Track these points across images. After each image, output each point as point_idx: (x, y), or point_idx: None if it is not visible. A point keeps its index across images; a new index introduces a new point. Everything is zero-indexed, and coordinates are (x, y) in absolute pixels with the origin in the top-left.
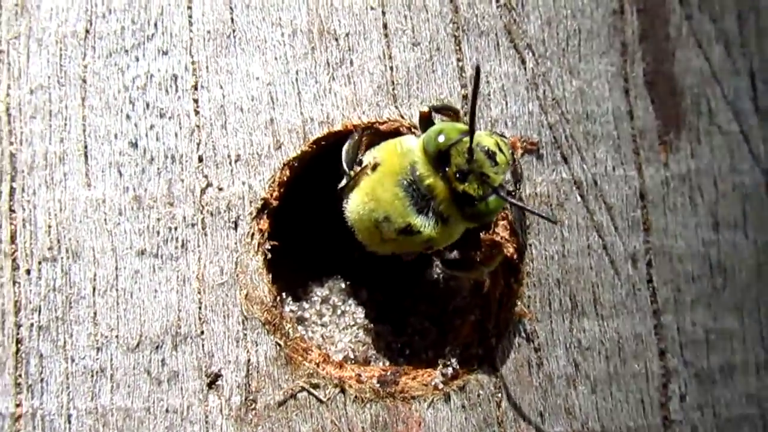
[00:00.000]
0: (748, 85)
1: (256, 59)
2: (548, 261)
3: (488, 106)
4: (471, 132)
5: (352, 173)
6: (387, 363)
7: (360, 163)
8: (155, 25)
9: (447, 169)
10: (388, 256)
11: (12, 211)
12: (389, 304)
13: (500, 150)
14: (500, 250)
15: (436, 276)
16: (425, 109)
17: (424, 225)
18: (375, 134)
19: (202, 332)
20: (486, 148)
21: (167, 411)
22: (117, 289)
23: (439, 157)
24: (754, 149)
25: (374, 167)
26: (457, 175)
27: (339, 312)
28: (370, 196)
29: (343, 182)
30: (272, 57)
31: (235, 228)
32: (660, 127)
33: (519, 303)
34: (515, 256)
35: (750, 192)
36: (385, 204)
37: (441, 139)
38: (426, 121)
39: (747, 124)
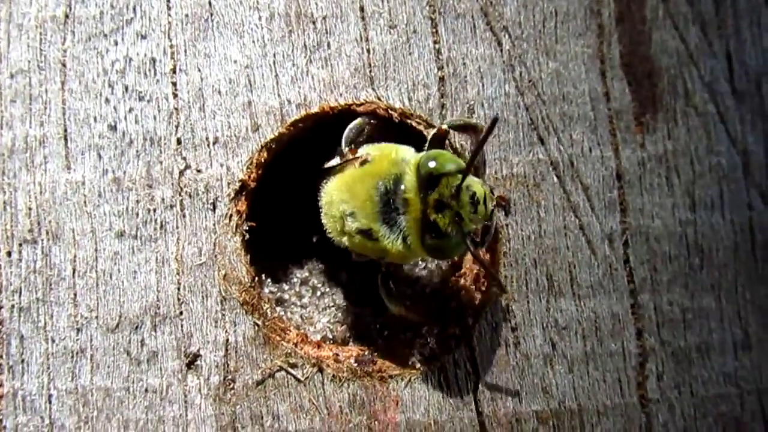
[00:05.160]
0: (724, 67)
1: (234, 42)
2: (525, 241)
3: (465, 88)
4: (466, 172)
5: (345, 151)
6: (365, 343)
7: (357, 145)
8: (134, 9)
9: (430, 193)
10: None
11: None
12: (368, 286)
13: (484, 202)
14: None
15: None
16: (444, 126)
17: (385, 236)
18: (379, 125)
19: (181, 313)
20: (473, 193)
21: (146, 390)
22: (97, 271)
23: (428, 180)
24: (730, 130)
25: (363, 162)
26: (436, 204)
27: (318, 293)
28: (347, 187)
29: (333, 162)
30: (250, 40)
31: (214, 209)
32: (636, 108)
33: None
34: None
35: (727, 173)
36: (357, 201)
37: (433, 164)
38: (440, 139)
39: (723, 106)
